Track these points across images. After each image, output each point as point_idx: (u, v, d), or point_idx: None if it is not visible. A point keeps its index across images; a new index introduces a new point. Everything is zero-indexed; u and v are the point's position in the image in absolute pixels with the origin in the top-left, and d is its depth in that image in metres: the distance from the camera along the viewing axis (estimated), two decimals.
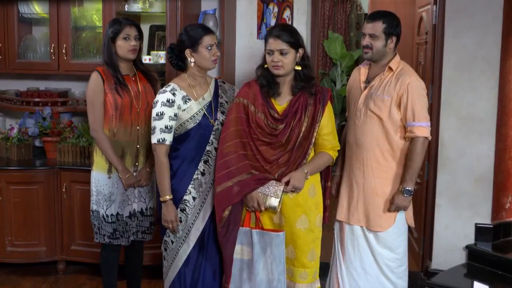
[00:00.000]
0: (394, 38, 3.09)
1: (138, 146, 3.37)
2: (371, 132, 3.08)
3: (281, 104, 3.01)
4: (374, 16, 3.10)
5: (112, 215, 3.34)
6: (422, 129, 3.01)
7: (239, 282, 3.04)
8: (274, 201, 2.94)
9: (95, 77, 3.31)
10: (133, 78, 3.39)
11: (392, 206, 3.06)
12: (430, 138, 3.06)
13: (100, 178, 3.35)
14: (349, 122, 3.27)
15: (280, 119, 2.98)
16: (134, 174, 3.38)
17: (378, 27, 3.04)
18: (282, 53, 2.91)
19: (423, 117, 3.02)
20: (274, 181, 2.97)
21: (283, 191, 2.94)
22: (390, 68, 3.09)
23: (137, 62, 3.43)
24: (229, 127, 2.98)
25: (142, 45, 3.48)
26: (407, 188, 3.02)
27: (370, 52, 3.09)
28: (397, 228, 3.11)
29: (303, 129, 2.97)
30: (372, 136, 3.08)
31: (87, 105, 3.35)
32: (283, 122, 2.98)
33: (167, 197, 3.01)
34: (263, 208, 2.96)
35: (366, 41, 3.09)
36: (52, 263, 4.29)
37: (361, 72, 3.23)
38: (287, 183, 2.94)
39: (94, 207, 3.38)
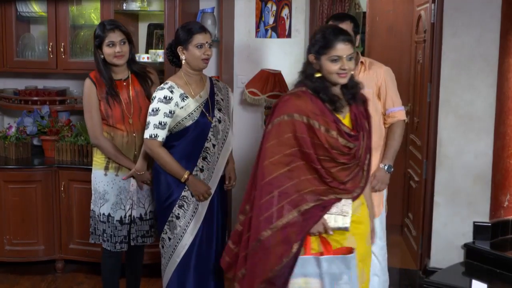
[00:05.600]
0: (358, 37, 3.24)
1: (135, 152, 3.29)
2: None
3: (343, 117, 2.59)
4: (342, 17, 3.21)
5: (103, 214, 3.30)
6: (402, 112, 3.25)
7: None
8: (344, 221, 2.49)
9: (88, 84, 3.26)
10: (125, 83, 3.30)
11: (374, 181, 3.20)
12: (407, 120, 3.30)
13: (97, 176, 3.33)
14: None
15: (354, 135, 2.55)
16: (133, 178, 3.33)
17: (349, 26, 3.13)
18: (350, 58, 2.51)
19: (399, 102, 3.26)
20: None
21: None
22: (362, 63, 3.26)
23: (130, 64, 3.32)
24: (282, 150, 2.51)
25: (133, 46, 3.34)
26: (389, 164, 3.24)
27: None
28: (381, 217, 3.31)
29: (369, 140, 2.65)
30: None
31: (84, 113, 3.30)
32: (357, 138, 2.57)
33: (185, 175, 3.03)
34: (331, 232, 2.51)
35: None
36: (50, 262, 4.28)
37: None
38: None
39: (92, 205, 3.37)
